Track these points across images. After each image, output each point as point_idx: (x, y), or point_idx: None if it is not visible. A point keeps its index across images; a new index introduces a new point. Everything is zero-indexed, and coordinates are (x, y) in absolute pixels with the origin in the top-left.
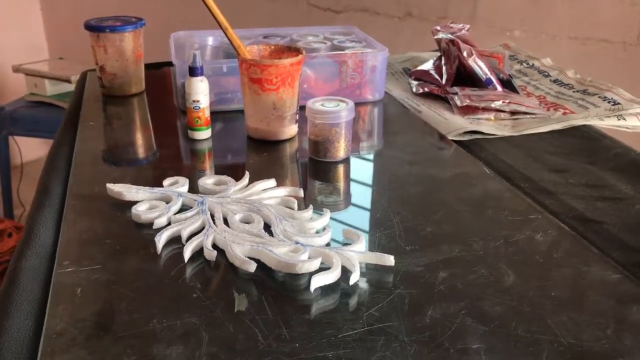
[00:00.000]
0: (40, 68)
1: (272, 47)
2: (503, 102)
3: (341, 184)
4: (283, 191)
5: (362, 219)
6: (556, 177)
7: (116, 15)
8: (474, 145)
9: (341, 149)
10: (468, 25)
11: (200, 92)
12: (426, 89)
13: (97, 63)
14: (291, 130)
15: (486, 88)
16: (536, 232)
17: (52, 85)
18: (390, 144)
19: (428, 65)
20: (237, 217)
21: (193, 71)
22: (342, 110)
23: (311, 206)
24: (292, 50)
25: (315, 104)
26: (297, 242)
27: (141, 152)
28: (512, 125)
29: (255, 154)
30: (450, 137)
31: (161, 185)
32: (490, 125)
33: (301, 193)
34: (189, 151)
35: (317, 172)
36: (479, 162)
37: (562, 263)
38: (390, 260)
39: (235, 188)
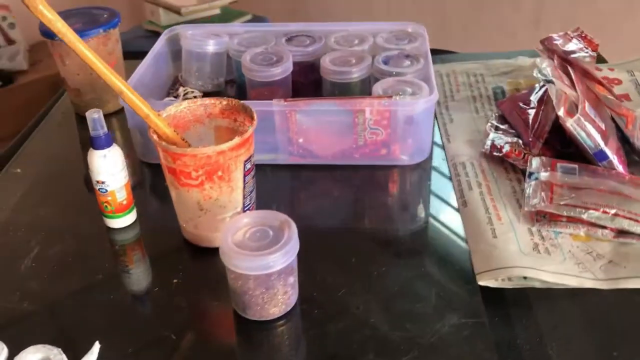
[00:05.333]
0: None
1: (224, 104)
2: (605, 212)
3: None
4: None
5: None
6: None
7: (98, 5)
8: (519, 301)
9: (271, 307)
10: (597, 42)
11: (105, 171)
12: (502, 149)
13: (60, 74)
14: None
15: (596, 165)
16: None
17: (166, 15)
18: (383, 292)
19: (552, 90)
20: None
21: (94, 142)
22: (273, 253)
23: None
24: (248, 113)
25: (233, 237)
26: None
27: (36, 242)
28: (610, 258)
29: (180, 269)
30: (482, 283)
31: None
32: (570, 255)
33: None
34: (102, 248)
35: (228, 343)
36: None
37: None
38: None
39: None
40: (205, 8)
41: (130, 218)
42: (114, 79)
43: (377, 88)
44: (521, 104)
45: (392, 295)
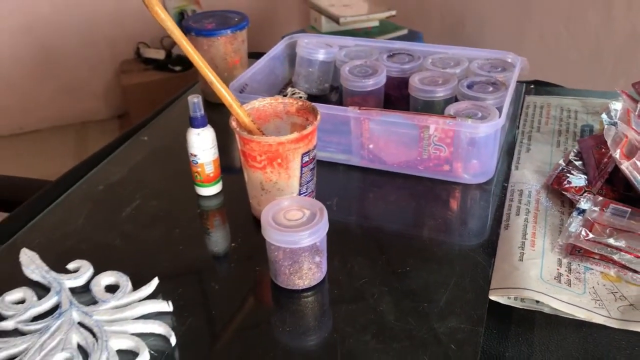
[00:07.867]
0: (322, 3)
1: (299, 105)
2: (637, 256)
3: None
4: (150, 306)
5: None
6: None
7: (235, 9)
8: (523, 321)
9: (296, 278)
10: None
11: (197, 146)
12: (563, 181)
13: None
14: None
15: None
16: None
17: (327, 23)
18: (401, 295)
19: (609, 132)
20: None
21: (192, 122)
22: (301, 232)
23: None
24: (315, 114)
25: (274, 214)
26: None
27: (139, 196)
28: (633, 302)
29: (240, 236)
30: (493, 297)
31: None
32: (591, 290)
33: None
34: (187, 209)
35: (260, 305)
36: None
37: None
38: None
39: (117, 302)
40: (363, 20)
41: (215, 189)
42: (207, 72)
43: (450, 108)
44: (601, 144)
45: (406, 292)
